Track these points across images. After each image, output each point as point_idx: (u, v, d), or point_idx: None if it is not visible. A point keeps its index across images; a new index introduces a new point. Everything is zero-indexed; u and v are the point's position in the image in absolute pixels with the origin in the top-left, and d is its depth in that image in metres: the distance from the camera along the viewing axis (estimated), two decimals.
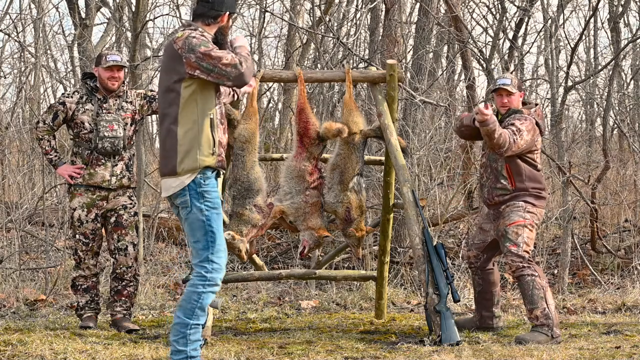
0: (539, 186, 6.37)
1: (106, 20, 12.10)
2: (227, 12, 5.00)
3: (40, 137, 6.51)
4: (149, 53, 11.83)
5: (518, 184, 6.33)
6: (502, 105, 6.41)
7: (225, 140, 5.01)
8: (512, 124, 6.24)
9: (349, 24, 11.07)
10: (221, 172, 4.98)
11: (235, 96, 5.68)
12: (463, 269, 8.39)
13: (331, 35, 9.34)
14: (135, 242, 6.56)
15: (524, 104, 6.53)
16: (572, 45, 8.89)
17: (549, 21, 9.35)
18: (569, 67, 8.99)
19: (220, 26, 5.00)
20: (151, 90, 6.70)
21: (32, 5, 11.39)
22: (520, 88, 6.46)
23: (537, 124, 6.35)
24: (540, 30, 10.14)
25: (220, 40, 5.00)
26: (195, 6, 5.03)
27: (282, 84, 10.62)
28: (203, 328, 4.89)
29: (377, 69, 7.17)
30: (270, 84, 10.65)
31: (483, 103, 6.25)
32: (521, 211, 6.27)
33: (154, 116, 9.74)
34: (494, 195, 6.39)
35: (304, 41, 11.17)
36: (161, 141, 4.93)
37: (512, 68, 10.72)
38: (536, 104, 6.53)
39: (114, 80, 6.48)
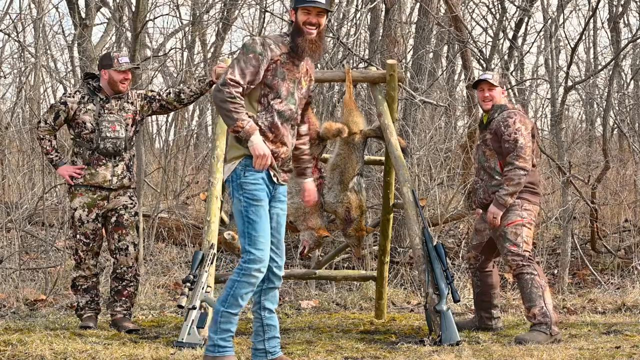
0: (533, 180, 6.37)
1: (106, 20, 12.11)
2: (293, 8, 4.89)
3: (42, 136, 6.50)
4: (149, 53, 11.82)
5: None
6: (483, 99, 6.40)
7: (270, 149, 4.81)
8: (507, 130, 6.22)
9: (349, 24, 11.08)
10: (272, 175, 4.87)
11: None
12: (463, 269, 8.39)
13: (331, 35, 9.34)
14: (136, 242, 6.56)
15: None
16: (572, 45, 8.89)
17: (549, 21, 9.35)
18: (569, 67, 8.99)
19: (294, 23, 4.89)
20: (151, 91, 6.68)
21: (32, 5, 11.39)
22: (502, 84, 6.46)
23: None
24: (540, 30, 10.14)
25: (295, 45, 4.84)
26: None
27: None
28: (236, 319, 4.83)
29: (377, 69, 7.17)
30: None
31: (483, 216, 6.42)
32: (518, 209, 6.27)
33: (154, 116, 9.77)
34: (490, 193, 6.37)
35: None
36: None
37: (512, 68, 10.73)
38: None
39: (126, 82, 6.48)
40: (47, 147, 6.51)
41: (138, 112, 6.57)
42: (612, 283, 8.51)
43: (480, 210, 6.55)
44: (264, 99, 4.85)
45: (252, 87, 4.81)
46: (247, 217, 4.78)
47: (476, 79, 6.56)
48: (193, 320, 5.68)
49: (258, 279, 4.80)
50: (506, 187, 6.17)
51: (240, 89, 4.75)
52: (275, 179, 4.89)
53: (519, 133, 6.19)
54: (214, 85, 4.84)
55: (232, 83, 4.73)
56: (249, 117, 4.79)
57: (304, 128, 5.11)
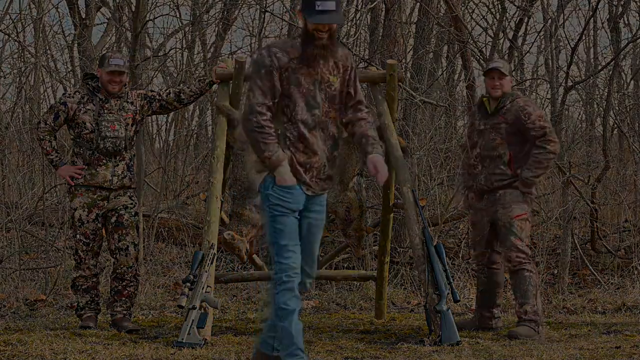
0: None
1: (106, 20, 12.10)
2: (300, 11, 4.62)
3: (42, 137, 6.50)
4: (149, 53, 11.82)
5: (518, 171, 6.36)
6: (493, 87, 6.42)
7: (302, 161, 4.65)
8: (530, 118, 6.28)
9: (349, 24, 11.07)
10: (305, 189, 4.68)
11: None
12: (463, 269, 8.39)
13: None
14: (136, 242, 6.56)
15: None
16: (572, 45, 8.90)
17: (549, 21, 9.34)
18: (569, 67, 8.99)
19: (303, 28, 4.64)
20: (151, 91, 6.68)
21: (32, 5, 11.38)
22: (511, 74, 6.54)
23: None
24: (540, 30, 10.14)
25: (305, 52, 4.62)
26: None
27: None
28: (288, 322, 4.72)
29: (377, 69, 7.17)
30: None
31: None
32: (522, 202, 6.31)
33: (154, 116, 9.77)
34: (493, 181, 6.39)
35: None
36: None
37: (512, 68, 10.72)
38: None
39: (115, 84, 6.47)
40: (47, 148, 6.51)
41: (138, 112, 6.57)
42: (612, 283, 8.50)
43: (474, 202, 6.57)
44: (286, 110, 4.64)
45: (276, 100, 4.60)
46: (273, 226, 4.61)
47: (487, 66, 6.57)
48: (193, 320, 5.68)
49: (294, 282, 4.61)
50: (535, 169, 6.26)
51: (268, 113, 4.56)
52: (308, 192, 4.72)
53: (543, 119, 6.30)
54: (242, 114, 4.60)
55: (258, 109, 4.53)
56: (276, 130, 4.60)
57: (350, 116, 4.78)
